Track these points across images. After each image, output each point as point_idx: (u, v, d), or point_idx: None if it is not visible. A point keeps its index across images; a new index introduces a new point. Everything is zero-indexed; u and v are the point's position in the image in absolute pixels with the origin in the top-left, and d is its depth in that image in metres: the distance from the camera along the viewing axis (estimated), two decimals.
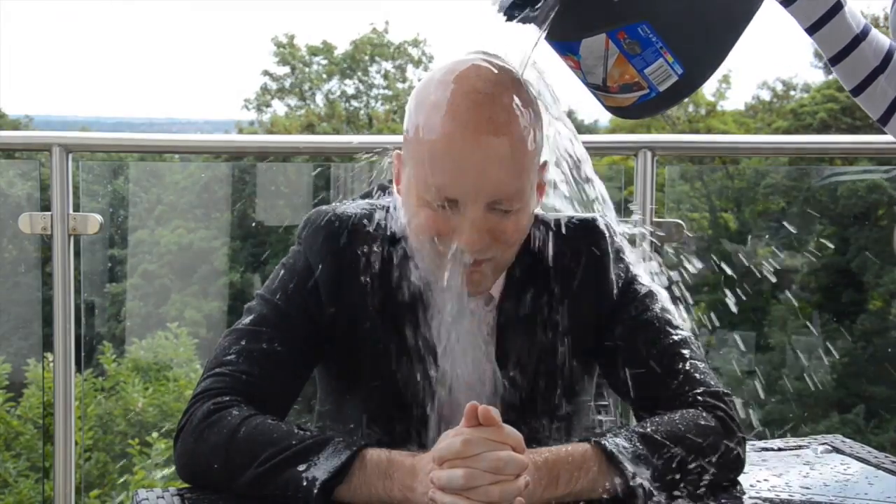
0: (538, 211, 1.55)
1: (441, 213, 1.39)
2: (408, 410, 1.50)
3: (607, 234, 1.55)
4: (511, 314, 1.51)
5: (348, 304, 1.50)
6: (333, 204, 1.56)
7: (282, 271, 1.54)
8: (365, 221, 1.52)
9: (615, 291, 1.52)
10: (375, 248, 1.50)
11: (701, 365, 1.49)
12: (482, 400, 1.51)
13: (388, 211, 1.52)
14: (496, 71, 1.40)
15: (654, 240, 2.72)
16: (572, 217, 1.56)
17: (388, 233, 1.51)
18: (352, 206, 1.55)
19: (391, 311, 1.49)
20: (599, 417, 1.72)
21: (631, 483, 1.31)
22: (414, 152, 1.40)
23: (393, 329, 1.49)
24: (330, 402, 1.61)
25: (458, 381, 1.52)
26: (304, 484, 1.29)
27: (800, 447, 1.60)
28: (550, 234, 1.53)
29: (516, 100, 1.38)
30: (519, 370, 1.51)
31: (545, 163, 1.47)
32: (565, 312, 1.52)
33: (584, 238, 1.54)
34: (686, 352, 1.50)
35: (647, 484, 1.31)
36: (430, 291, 1.49)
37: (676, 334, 1.51)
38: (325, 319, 1.50)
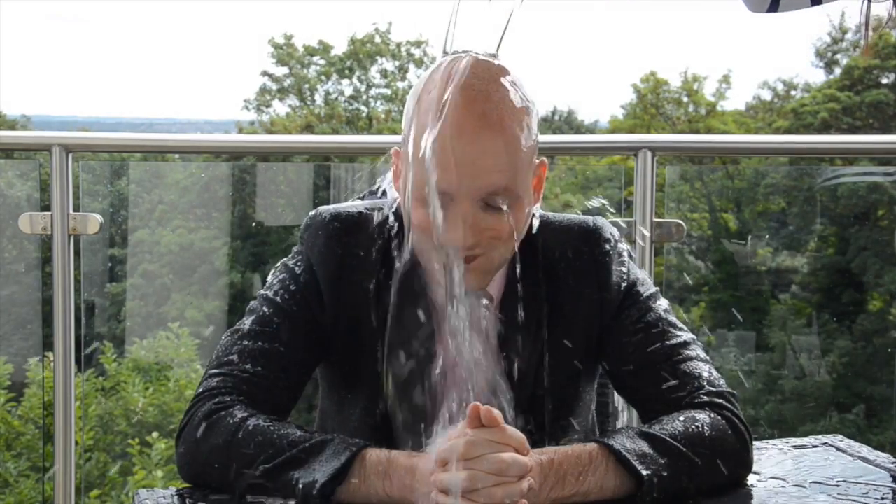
0: (540, 211, 1.55)
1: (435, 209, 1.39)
2: (408, 410, 1.51)
3: (610, 236, 1.56)
4: (512, 314, 1.51)
5: (350, 304, 1.50)
6: (335, 203, 1.57)
7: (283, 271, 1.54)
8: (366, 220, 1.52)
9: (619, 294, 1.53)
10: (377, 248, 1.50)
11: (706, 366, 1.50)
12: (483, 400, 1.51)
13: (389, 210, 1.53)
14: (492, 68, 1.40)
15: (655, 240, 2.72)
16: (575, 218, 1.56)
17: (390, 232, 1.51)
18: (353, 205, 1.55)
19: (392, 309, 1.49)
20: (602, 418, 1.72)
21: (640, 482, 1.31)
22: (411, 149, 1.40)
23: (394, 328, 1.49)
24: (331, 401, 1.61)
25: (460, 380, 1.52)
26: (304, 485, 1.29)
27: (800, 447, 1.60)
28: (553, 234, 1.53)
29: (511, 97, 1.38)
30: (521, 370, 1.51)
31: (542, 161, 1.47)
32: (567, 313, 1.52)
33: (586, 239, 1.54)
34: (690, 352, 1.50)
35: (654, 483, 1.31)
36: (430, 290, 1.50)
37: (680, 335, 1.51)
38: (326, 319, 1.50)
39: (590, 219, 1.56)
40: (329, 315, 1.50)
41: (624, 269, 1.54)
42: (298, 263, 1.53)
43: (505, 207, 1.38)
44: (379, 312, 1.49)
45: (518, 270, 1.50)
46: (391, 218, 1.51)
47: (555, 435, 1.51)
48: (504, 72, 1.41)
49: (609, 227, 1.56)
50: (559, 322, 1.51)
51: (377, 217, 1.52)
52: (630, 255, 1.58)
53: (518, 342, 1.50)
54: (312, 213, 1.56)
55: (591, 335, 1.52)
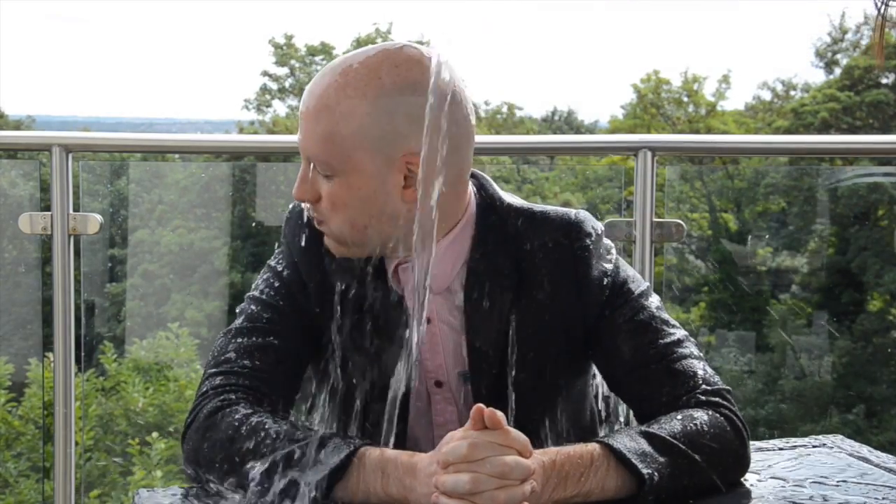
0: (513, 200, 1.55)
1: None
2: (384, 396, 1.51)
3: (592, 231, 1.54)
4: (477, 306, 1.50)
5: (332, 300, 1.50)
6: None
7: (266, 271, 1.57)
8: None
9: (602, 289, 1.52)
10: None
11: (700, 363, 1.49)
12: (450, 392, 1.52)
13: None
14: (368, 55, 1.41)
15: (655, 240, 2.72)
16: (558, 210, 1.55)
17: None
18: None
19: (371, 293, 1.50)
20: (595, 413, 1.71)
21: (641, 482, 1.31)
22: None
23: (372, 310, 1.50)
24: (323, 399, 1.61)
25: (429, 374, 1.53)
26: (302, 482, 1.29)
27: (800, 447, 1.60)
28: (532, 225, 1.52)
29: (359, 88, 1.38)
30: (488, 364, 1.50)
31: (415, 154, 1.40)
32: (541, 304, 1.50)
33: (566, 232, 1.52)
34: (685, 350, 1.49)
35: (655, 482, 1.31)
36: (403, 283, 1.50)
37: (674, 333, 1.51)
38: (313, 309, 1.51)
39: (572, 211, 1.54)
40: (315, 304, 1.50)
41: (608, 266, 1.52)
42: (280, 261, 1.55)
43: (328, 175, 1.42)
44: (357, 307, 1.50)
45: (479, 259, 1.50)
46: None
47: (529, 425, 1.50)
48: (383, 60, 1.40)
49: (592, 221, 1.55)
50: (527, 312, 1.50)
51: None
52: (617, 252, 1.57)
53: (486, 334, 1.49)
54: (291, 206, 1.57)
55: (572, 330, 1.51)
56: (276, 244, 1.60)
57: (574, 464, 1.32)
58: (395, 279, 1.51)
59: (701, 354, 1.50)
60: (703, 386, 1.46)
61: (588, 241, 1.52)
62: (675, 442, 1.35)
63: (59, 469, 2.70)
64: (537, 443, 1.36)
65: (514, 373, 1.50)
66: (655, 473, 1.31)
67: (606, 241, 1.55)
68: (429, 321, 1.51)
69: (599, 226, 1.55)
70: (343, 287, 1.49)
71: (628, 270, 1.55)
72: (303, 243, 1.52)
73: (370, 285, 1.50)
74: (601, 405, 1.73)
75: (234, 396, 1.42)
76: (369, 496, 1.30)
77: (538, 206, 1.55)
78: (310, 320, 1.51)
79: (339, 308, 1.49)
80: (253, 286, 1.56)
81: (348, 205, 1.43)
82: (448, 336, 1.52)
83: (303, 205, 1.48)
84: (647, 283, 1.56)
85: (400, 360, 1.50)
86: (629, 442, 1.34)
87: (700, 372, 1.47)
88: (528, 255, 1.51)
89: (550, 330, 1.50)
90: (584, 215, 1.54)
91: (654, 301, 1.53)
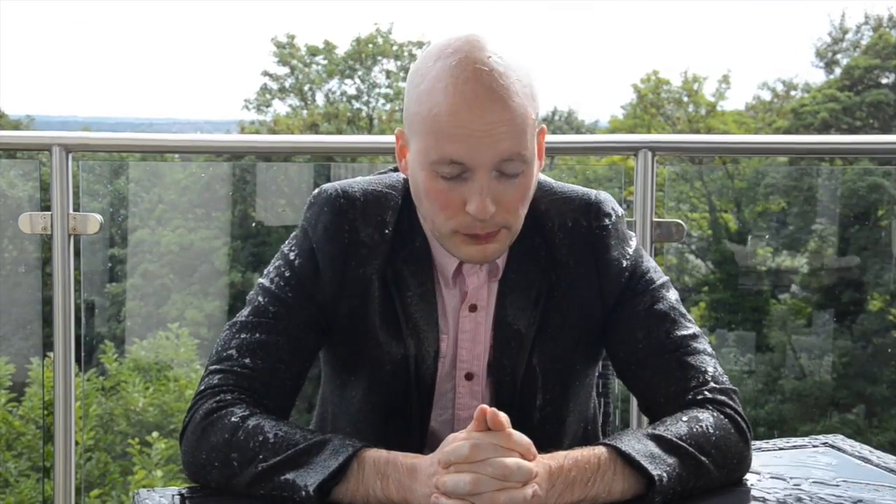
0: (543, 177, 1.55)
1: (450, 184, 1.39)
2: (408, 394, 1.51)
3: (611, 212, 1.54)
4: (513, 287, 1.50)
5: (353, 286, 1.49)
6: (340, 181, 1.55)
7: (279, 258, 1.53)
8: (372, 199, 1.51)
9: (621, 272, 1.52)
10: (385, 225, 1.49)
11: (711, 360, 1.49)
12: (479, 385, 1.52)
13: (395, 188, 1.52)
14: (488, 44, 1.41)
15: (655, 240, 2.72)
16: (579, 189, 1.55)
17: (399, 209, 1.50)
18: (359, 183, 1.54)
19: (395, 290, 1.49)
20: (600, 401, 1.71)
21: (651, 483, 1.31)
22: (419, 126, 1.40)
23: (399, 308, 1.49)
24: (333, 385, 1.60)
25: (463, 364, 1.52)
26: (301, 485, 1.29)
27: (800, 447, 1.60)
28: (554, 203, 1.52)
29: (511, 69, 1.38)
30: (518, 344, 1.50)
31: (543, 128, 1.46)
32: (564, 284, 1.50)
33: (585, 212, 1.52)
34: (698, 345, 1.49)
35: (664, 484, 1.31)
36: (438, 263, 1.50)
37: (689, 327, 1.51)
38: (327, 299, 1.49)
39: (593, 192, 1.55)
40: (330, 294, 1.48)
41: (628, 250, 1.53)
42: (293, 248, 1.52)
43: (516, 174, 1.39)
44: (381, 293, 1.49)
45: (518, 241, 1.49)
46: (398, 196, 1.51)
47: (549, 411, 1.50)
48: (498, 46, 1.41)
49: (612, 202, 1.55)
50: (556, 292, 1.50)
51: (384, 195, 1.51)
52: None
53: (517, 314, 1.49)
54: (316, 191, 1.54)
55: (591, 313, 1.51)
56: (300, 224, 1.55)
57: (581, 468, 1.31)
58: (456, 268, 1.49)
59: (713, 353, 1.51)
60: (712, 384, 1.45)
61: (607, 222, 1.52)
62: (681, 443, 1.35)
63: (59, 469, 2.70)
64: (555, 434, 1.34)
65: (539, 358, 1.50)
66: (664, 475, 1.31)
67: (624, 227, 1.55)
68: (475, 308, 1.51)
69: (620, 208, 1.55)
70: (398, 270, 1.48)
71: (650, 261, 1.56)
72: (324, 228, 1.50)
73: (412, 271, 1.49)
74: (601, 400, 1.73)
75: (230, 397, 1.40)
76: (369, 498, 1.30)
77: (558, 184, 1.55)
78: (320, 313, 1.49)
79: (373, 295, 1.48)
80: (265, 272, 1.53)
81: (529, 193, 1.43)
82: (489, 325, 1.51)
83: (480, 223, 1.40)
84: (667, 277, 1.56)
85: (428, 348, 1.49)
86: (636, 444, 1.34)
87: (710, 369, 1.47)
88: (549, 235, 1.51)
89: (573, 312, 1.51)
90: (604, 196, 1.55)
91: (673, 294, 1.53)
